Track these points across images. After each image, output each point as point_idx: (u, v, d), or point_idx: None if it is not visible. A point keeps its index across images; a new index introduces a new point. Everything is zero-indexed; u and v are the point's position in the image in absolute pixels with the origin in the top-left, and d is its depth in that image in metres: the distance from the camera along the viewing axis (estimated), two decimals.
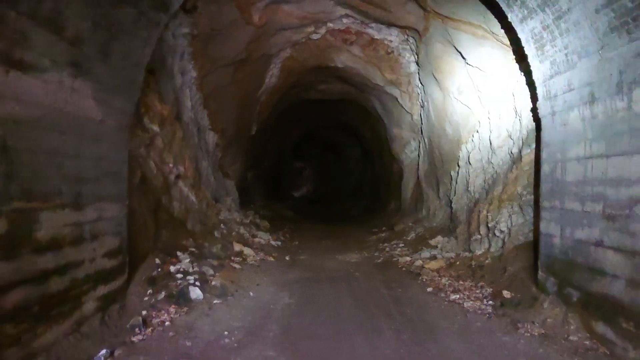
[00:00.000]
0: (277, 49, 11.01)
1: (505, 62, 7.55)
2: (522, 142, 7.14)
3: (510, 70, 7.46)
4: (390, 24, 9.94)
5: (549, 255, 5.51)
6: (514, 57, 7.17)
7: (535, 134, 6.40)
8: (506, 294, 6.01)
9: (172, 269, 6.47)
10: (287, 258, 9.15)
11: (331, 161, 32.62)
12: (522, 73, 6.98)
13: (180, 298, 5.75)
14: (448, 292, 6.62)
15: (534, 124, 6.63)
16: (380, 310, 5.86)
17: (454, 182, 10.55)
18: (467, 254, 8.19)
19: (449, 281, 7.16)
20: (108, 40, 4.82)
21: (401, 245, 11.07)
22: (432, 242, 9.86)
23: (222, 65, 9.64)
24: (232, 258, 8.07)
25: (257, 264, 8.24)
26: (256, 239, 10.19)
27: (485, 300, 6.12)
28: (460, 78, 9.17)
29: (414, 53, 10.95)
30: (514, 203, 7.19)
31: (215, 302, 5.90)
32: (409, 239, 11.58)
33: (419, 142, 13.79)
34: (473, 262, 7.59)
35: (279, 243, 10.58)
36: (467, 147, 9.55)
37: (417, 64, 11.19)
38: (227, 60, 9.58)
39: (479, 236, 8.28)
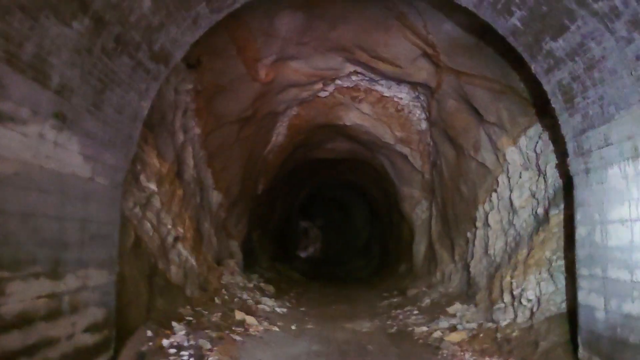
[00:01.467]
0: (284, 106, 10.75)
1: (526, 117, 7.15)
2: (549, 202, 6.60)
3: (532, 126, 7.04)
4: (400, 81, 9.68)
5: (592, 331, 4.84)
6: (536, 111, 6.78)
7: (564, 193, 5.88)
8: None
9: (165, 342, 5.81)
10: (293, 327, 8.42)
11: (339, 221, 32.01)
12: (546, 128, 6.55)
13: None
14: None
15: (561, 181, 6.13)
16: None
17: (470, 245, 9.92)
18: (490, 324, 7.46)
19: (473, 357, 6.41)
20: (100, 92, 4.44)
21: (415, 312, 10.30)
22: (450, 309, 9.12)
23: (227, 123, 9.33)
24: (233, 328, 7.39)
25: (260, 334, 7.53)
26: (260, 306, 9.49)
27: None
28: (475, 135, 8.76)
29: (425, 110, 10.64)
30: (542, 269, 6.56)
31: None
32: (423, 305, 10.82)
33: (431, 202, 13.26)
34: (499, 335, 6.87)
35: (285, 310, 9.86)
36: (485, 207, 9.00)
37: (429, 121, 10.86)
38: (232, 117, 9.27)
39: (503, 304, 7.58)
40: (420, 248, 14.60)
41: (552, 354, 5.59)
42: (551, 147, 6.51)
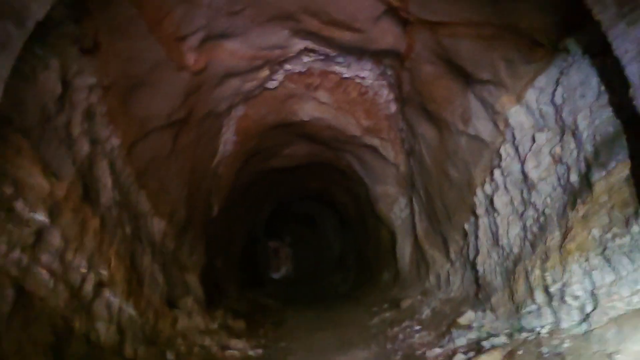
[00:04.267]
0: (227, 104, 8.90)
1: (532, 64, 5.57)
2: (587, 164, 4.98)
3: (543, 72, 5.46)
4: (362, 53, 7.99)
5: None
6: (547, 50, 5.20)
7: (626, 140, 4.28)
8: None
9: None
10: None
11: (308, 236, 30.15)
12: (569, 66, 4.97)
13: None
14: None
15: (607, 130, 4.53)
16: None
17: (471, 238, 8.29)
18: (525, 334, 5.76)
19: None
20: None
21: (417, 327, 8.56)
22: (462, 320, 7.42)
23: (155, 129, 7.40)
24: None
25: None
26: (228, 352, 7.55)
27: None
28: (463, 103, 7.15)
29: (394, 87, 9.00)
30: (591, 253, 4.91)
31: None
32: (423, 317, 9.10)
33: (411, 197, 11.63)
34: (544, 349, 5.16)
35: (260, 351, 7.93)
36: (486, 189, 7.38)
37: (399, 100, 9.23)
38: (161, 120, 7.35)
39: (534, 306, 5.93)
40: (404, 251, 12.92)
41: None
42: (579, 91, 4.93)
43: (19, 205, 4.26)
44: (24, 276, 4.26)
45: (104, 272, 5.82)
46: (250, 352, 7.77)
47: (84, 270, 5.33)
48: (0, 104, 3.46)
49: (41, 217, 4.51)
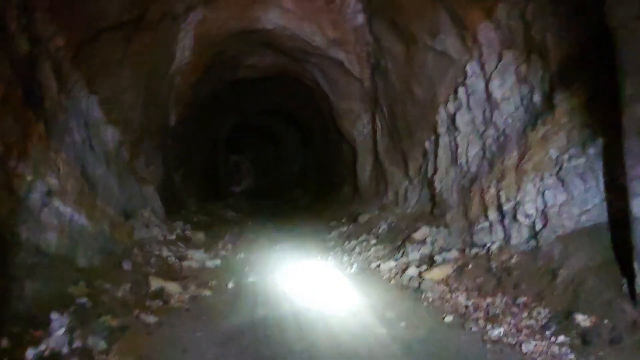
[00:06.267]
0: (184, 6, 8.32)
1: None
2: (551, 85, 4.92)
3: None
4: None
5: None
6: None
7: (586, 63, 4.20)
8: (581, 318, 3.79)
9: (30, 354, 3.81)
10: (230, 285, 6.60)
11: (269, 150, 30.03)
12: None
13: None
14: (480, 323, 4.33)
15: (575, 50, 4.43)
16: None
17: (430, 156, 8.33)
18: (475, 250, 5.96)
19: (471, 300, 4.89)
20: None
21: (373, 242, 8.76)
22: (417, 235, 7.60)
23: (105, 30, 6.86)
24: (147, 303, 5.47)
25: (185, 305, 5.67)
26: (186, 263, 7.57)
27: (547, 332, 3.87)
28: (433, 16, 6.88)
29: None
30: (546, 173, 4.99)
31: None
32: (380, 231, 9.31)
33: (374, 113, 11.52)
34: (493, 263, 5.37)
35: (218, 262, 7.98)
36: (449, 107, 7.32)
37: (368, 11, 8.83)
38: (111, 20, 6.81)
39: (487, 223, 6.11)
40: (364, 167, 13.00)
41: (584, 286, 4.10)
42: (550, 8, 4.76)
43: None
44: None
45: (53, 181, 5.58)
46: (209, 263, 7.82)
47: (29, 177, 5.08)
48: None
49: None
